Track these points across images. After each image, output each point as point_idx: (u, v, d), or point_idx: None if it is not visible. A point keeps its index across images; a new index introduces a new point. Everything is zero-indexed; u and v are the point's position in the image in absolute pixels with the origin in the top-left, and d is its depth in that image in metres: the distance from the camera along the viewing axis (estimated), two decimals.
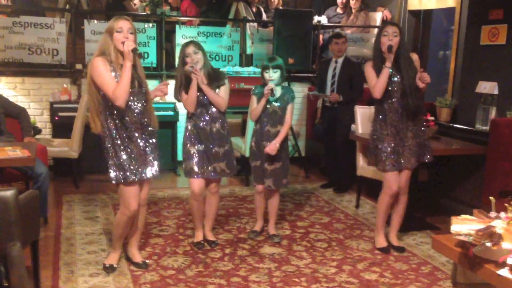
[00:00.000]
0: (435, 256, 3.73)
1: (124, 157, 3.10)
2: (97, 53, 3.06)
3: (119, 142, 3.10)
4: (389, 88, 3.59)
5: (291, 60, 5.95)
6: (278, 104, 3.81)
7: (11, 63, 5.60)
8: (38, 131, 5.16)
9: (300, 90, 6.68)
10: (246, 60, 6.56)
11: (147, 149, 3.20)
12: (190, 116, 3.66)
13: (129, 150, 3.11)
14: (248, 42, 6.61)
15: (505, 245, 1.95)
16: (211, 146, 3.65)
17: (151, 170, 3.25)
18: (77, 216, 4.40)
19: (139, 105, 3.12)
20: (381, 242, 3.87)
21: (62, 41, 5.71)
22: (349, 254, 3.79)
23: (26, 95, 5.65)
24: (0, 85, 5.53)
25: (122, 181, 3.11)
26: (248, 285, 3.24)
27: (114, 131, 3.09)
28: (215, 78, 3.64)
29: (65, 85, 5.66)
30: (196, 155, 3.62)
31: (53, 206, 4.60)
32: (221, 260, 3.59)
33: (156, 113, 5.42)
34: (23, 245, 2.50)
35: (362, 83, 5.12)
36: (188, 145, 3.65)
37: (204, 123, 3.62)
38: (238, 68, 6.00)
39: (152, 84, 6.04)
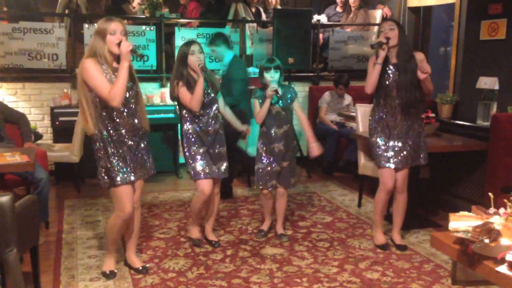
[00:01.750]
0: (438, 254, 3.70)
1: (115, 159, 3.08)
2: (87, 54, 3.03)
3: (110, 144, 3.07)
4: (387, 83, 3.57)
5: (291, 60, 5.94)
6: (281, 104, 3.81)
7: (11, 69, 5.62)
8: (39, 136, 5.17)
9: (300, 90, 6.66)
10: (246, 60, 6.55)
11: (138, 151, 3.18)
12: (191, 118, 3.62)
13: (120, 152, 3.09)
14: (248, 43, 6.61)
15: (504, 241, 1.93)
16: (213, 146, 3.65)
17: (142, 172, 3.22)
18: (78, 220, 4.40)
19: (131, 106, 3.10)
20: (380, 239, 3.86)
21: (61, 46, 5.72)
22: (351, 253, 3.77)
23: (26, 101, 5.67)
24: (1, 91, 5.55)
25: (113, 184, 3.08)
26: (249, 286, 3.22)
27: (105, 133, 3.06)
28: (215, 82, 3.69)
29: (65, 90, 5.68)
30: (202, 156, 3.62)
31: (54, 211, 4.60)
32: (222, 262, 3.58)
33: (157, 115, 5.56)
34: (22, 251, 2.51)
35: None
36: (193, 147, 3.63)
37: (208, 124, 3.62)
38: None
39: (152, 87, 6.07)
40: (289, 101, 3.85)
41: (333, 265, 3.55)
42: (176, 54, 3.80)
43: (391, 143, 3.62)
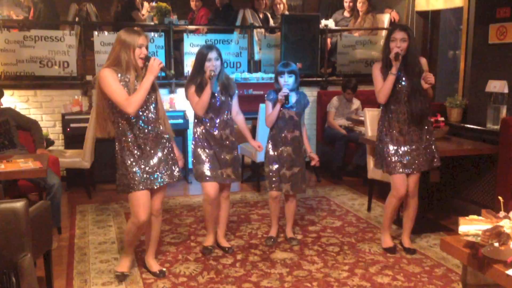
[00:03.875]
0: (449, 258, 3.69)
1: (133, 165, 3.12)
2: (109, 63, 3.07)
3: (128, 150, 3.12)
4: (397, 91, 3.57)
5: (299, 65, 5.94)
6: (295, 109, 3.83)
7: (23, 76, 5.70)
8: (50, 142, 5.24)
9: (309, 94, 6.67)
10: (254, 66, 6.58)
11: (158, 157, 3.20)
12: (199, 121, 3.67)
13: (138, 158, 3.13)
14: (256, 48, 6.64)
15: None
16: (220, 151, 3.66)
17: (163, 179, 3.23)
18: (90, 225, 4.44)
19: (152, 112, 3.16)
20: (387, 242, 3.86)
21: (72, 53, 5.80)
22: (361, 257, 3.77)
23: (38, 108, 5.74)
24: (13, 98, 5.62)
25: (130, 190, 3.13)
26: None
27: (124, 139, 3.12)
28: (228, 87, 3.69)
29: (76, 97, 5.74)
30: (207, 159, 3.65)
31: (66, 216, 4.65)
32: (232, 266, 3.59)
33: None
34: (35, 255, 2.55)
35: None
36: (199, 149, 3.67)
37: (215, 128, 3.64)
38: (246, 75, 6.02)
39: (161, 93, 6.08)
40: (305, 106, 3.88)
41: (343, 270, 3.55)
42: (185, 61, 3.83)
43: (402, 149, 3.62)
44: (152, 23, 6.48)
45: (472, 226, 2.03)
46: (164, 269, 3.48)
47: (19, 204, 2.32)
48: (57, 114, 5.77)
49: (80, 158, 5.12)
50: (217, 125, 3.64)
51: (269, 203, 4.05)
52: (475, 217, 2.13)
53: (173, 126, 5.63)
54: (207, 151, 3.65)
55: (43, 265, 3.02)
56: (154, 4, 6.90)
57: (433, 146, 3.71)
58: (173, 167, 3.29)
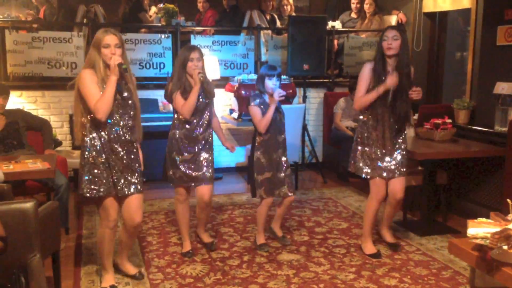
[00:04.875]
0: (456, 260, 3.68)
1: (101, 170, 3.03)
2: (86, 65, 3.04)
3: (100, 155, 3.03)
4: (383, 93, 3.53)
5: (306, 66, 5.96)
6: (281, 111, 3.84)
7: (31, 77, 5.74)
8: (58, 143, 5.26)
9: (315, 96, 6.69)
10: (261, 67, 6.58)
11: (128, 163, 3.09)
12: (181, 123, 3.63)
13: (107, 164, 3.05)
14: (263, 50, 6.64)
15: None
16: (200, 152, 3.66)
17: (132, 186, 3.12)
18: (97, 226, 4.45)
19: (125, 118, 3.07)
20: (370, 248, 3.81)
21: (80, 55, 5.83)
22: (368, 259, 3.76)
23: (46, 108, 5.77)
24: (21, 99, 5.66)
25: (97, 195, 3.04)
26: None
27: (97, 143, 3.03)
28: (210, 89, 3.70)
29: None
30: (183, 163, 3.64)
31: (74, 217, 4.68)
32: (239, 268, 3.60)
33: (159, 123, 5.54)
34: (44, 256, 2.56)
35: None
36: (174, 153, 3.64)
37: (199, 129, 3.64)
38: (253, 76, 6.02)
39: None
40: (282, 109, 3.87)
41: (350, 271, 3.55)
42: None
43: (379, 153, 3.61)
44: (159, 25, 6.50)
45: (480, 229, 2.03)
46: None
47: (28, 205, 2.34)
48: (65, 115, 5.80)
49: None
50: (200, 126, 3.64)
51: (260, 210, 3.91)
52: (483, 219, 2.12)
53: (167, 128, 5.64)
54: (185, 154, 3.63)
55: (51, 265, 3.04)
56: (161, 5, 6.92)
57: (404, 153, 3.67)
58: (140, 174, 3.19)
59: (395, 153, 3.64)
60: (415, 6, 6.44)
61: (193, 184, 3.69)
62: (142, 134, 3.25)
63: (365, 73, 3.59)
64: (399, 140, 3.65)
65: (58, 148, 5.18)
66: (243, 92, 5.67)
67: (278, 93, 3.69)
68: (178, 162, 3.65)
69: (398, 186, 3.68)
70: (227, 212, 4.86)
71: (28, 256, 2.33)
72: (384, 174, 3.65)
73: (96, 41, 2.99)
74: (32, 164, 3.59)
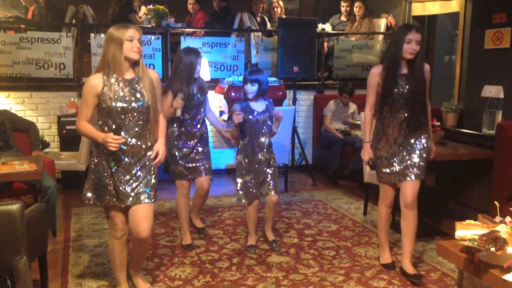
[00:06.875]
0: (444, 262, 3.70)
1: (103, 178, 2.90)
2: (97, 68, 2.88)
3: (103, 161, 2.90)
4: (395, 97, 3.32)
5: (296, 69, 5.97)
6: (268, 114, 3.79)
7: (19, 78, 5.69)
8: (46, 144, 5.21)
9: (305, 98, 6.70)
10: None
11: (138, 172, 2.92)
12: (177, 121, 3.79)
13: (110, 171, 2.89)
14: (253, 52, 6.65)
15: (510, 249, 1.94)
16: (197, 146, 3.88)
17: (139, 196, 2.93)
18: (86, 228, 4.43)
19: (139, 123, 2.87)
20: (386, 258, 3.67)
21: (69, 55, 5.79)
22: (357, 261, 3.77)
23: (34, 109, 5.72)
24: (9, 100, 5.60)
25: (98, 203, 2.95)
26: None
27: (102, 149, 2.87)
28: (203, 88, 3.95)
29: (72, 99, 5.73)
30: (183, 159, 3.86)
31: (61, 219, 4.64)
32: (228, 270, 3.59)
33: None
34: (30, 258, 2.53)
35: None
36: (174, 149, 3.84)
37: (196, 126, 3.87)
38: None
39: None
40: (272, 110, 3.82)
41: (339, 274, 3.55)
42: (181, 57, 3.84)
43: (392, 158, 3.40)
44: (149, 26, 6.47)
45: (468, 231, 2.04)
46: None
47: (15, 207, 2.31)
48: (53, 116, 5.75)
49: (75, 161, 5.10)
50: (197, 122, 3.87)
51: (248, 213, 3.92)
52: (471, 221, 2.14)
53: None
54: (184, 150, 3.85)
55: (38, 268, 3.00)
56: (151, 6, 6.89)
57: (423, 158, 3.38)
58: (153, 183, 3.01)
59: (404, 156, 3.38)
60: (404, 9, 6.49)
61: (193, 176, 3.94)
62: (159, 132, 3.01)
63: (373, 80, 3.38)
64: (411, 141, 3.37)
65: (46, 150, 5.13)
66: (233, 94, 5.67)
67: (236, 118, 3.66)
68: (178, 158, 3.86)
69: (406, 191, 3.39)
70: (217, 214, 4.85)
71: (15, 258, 2.30)
72: (392, 179, 3.44)
73: (115, 36, 2.75)
74: (19, 166, 3.54)
